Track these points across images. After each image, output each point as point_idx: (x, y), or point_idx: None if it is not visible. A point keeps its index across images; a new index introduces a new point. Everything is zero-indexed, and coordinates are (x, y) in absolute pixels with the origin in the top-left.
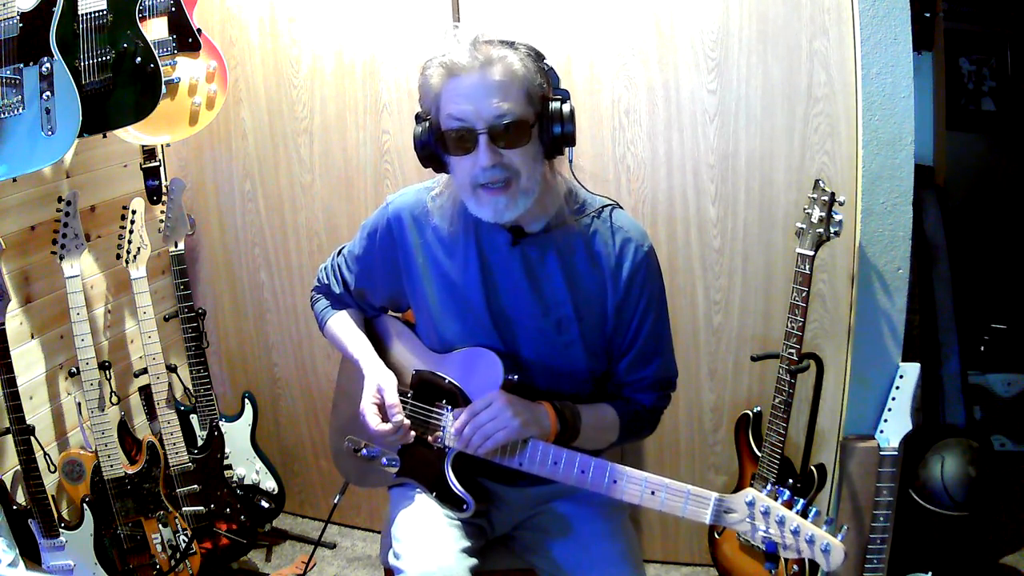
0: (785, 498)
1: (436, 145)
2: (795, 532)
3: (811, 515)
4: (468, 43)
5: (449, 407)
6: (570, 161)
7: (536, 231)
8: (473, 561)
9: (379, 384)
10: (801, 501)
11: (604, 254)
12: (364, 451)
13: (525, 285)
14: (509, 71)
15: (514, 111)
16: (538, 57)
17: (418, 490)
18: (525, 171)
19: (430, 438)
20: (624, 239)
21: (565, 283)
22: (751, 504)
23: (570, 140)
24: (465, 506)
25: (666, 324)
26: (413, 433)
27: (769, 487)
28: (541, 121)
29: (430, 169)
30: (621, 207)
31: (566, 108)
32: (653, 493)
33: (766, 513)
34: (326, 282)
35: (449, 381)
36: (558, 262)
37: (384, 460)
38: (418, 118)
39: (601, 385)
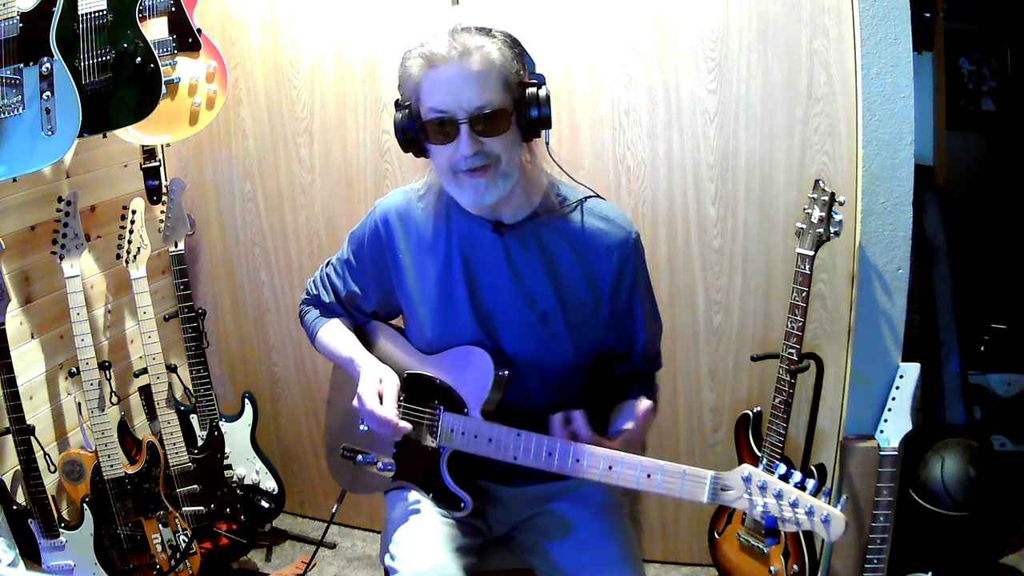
0: (781, 472)
1: (416, 132)
2: (793, 504)
3: (809, 488)
4: (447, 33)
5: (442, 407)
6: (547, 143)
7: (518, 222)
8: (468, 560)
9: (380, 375)
10: (798, 473)
11: (592, 243)
12: (359, 457)
13: (508, 278)
14: (487, 61)
15: (493, 101)
16: (514, 44)
17: (414, 492)
18: (505, 156)
19: (424, 439)
20: (612, 227)
21: (549, 274)
22: (747, 480)
23: (546, 123)
24: (463, 504)
25: (655, 300)
26: (409, 426)
27: (765, 462)
28: (518, 106)
29: (418, 169)
30: (603, 197)
31: (542, 92)
32: (649, 476)
33: (763, 488)
34: (315, 292)
35: (440, 381)
36: (541, 253)
37: (380, 465)
38: (398, 105)
39: (585, 376)
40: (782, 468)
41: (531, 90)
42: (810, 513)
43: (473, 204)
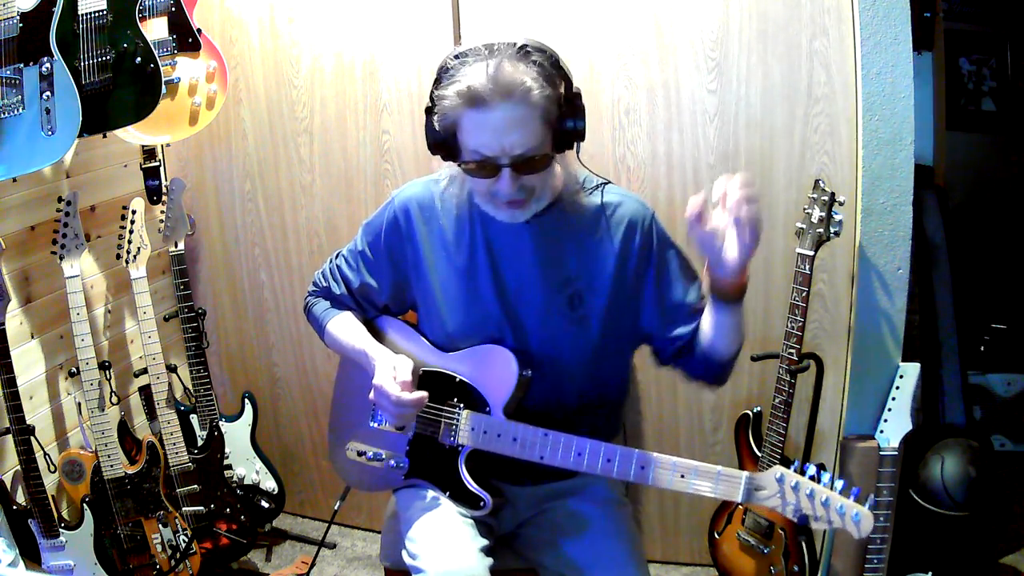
0: (812, 472)
1: (449, 145)
2: (825, 504)
3: (838, 488)
4: (485, 65)
5: (461, 405)
6: (577, 149)
7: (543, 209)
8: (491, 560)
9: (394, 363)
10: (828, 474)
11: (612, 223)
12: (369, 455)
13: (535, 264)
14: (529, 102)
15: (536, 145)
16: (553, 64)
17: (429, 490)
18: (540, 185)
19: (442, 437)
20: (631, 207)
21: (575, 256)
22: (781, 480)
23: (580, 136)
24: (482, 503)
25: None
26: (425, 396)
27: (796, 463)
28: (555, 132)
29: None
30: (613, 183)
31: (579, 110)
32: (683, 476)
33: (796, 488)
34: (324, 284)
35: (460, 379)
36: (567, 236)
37: (391, 462)
38: (429, 112)
39: (607, 369)
40: (812, 469)
41: (568, 110)
42: (841, 512)
43: (507, 221)
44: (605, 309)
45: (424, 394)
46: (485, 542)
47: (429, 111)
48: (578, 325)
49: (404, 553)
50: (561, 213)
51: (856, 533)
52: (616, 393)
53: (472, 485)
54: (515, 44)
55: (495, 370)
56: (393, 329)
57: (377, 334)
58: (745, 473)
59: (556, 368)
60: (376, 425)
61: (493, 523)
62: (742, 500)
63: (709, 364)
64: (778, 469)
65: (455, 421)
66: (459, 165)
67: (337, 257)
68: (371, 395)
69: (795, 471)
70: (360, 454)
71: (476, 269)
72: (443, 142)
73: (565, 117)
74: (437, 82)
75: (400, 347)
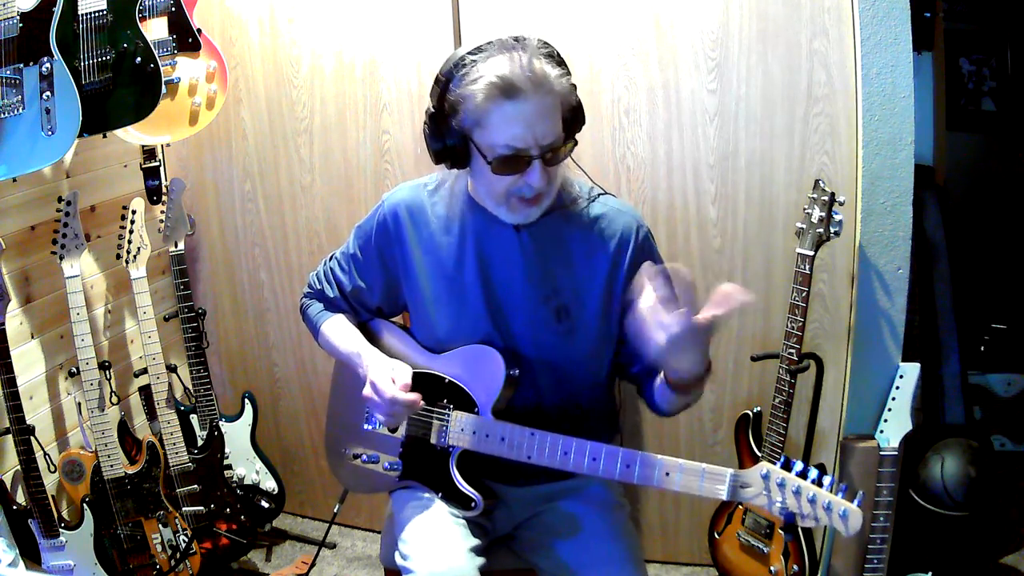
0: (799, 469)
1: (460, 148)
2: (812, 501)
3: (826, 484)
4: (522, 63)
5: (451, 406)
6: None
7: (535, 219)
8: (481, 560)
9: (392, 364)
10: (815, 470)
11: (606, 234)
12: (364, 457)
13: (524, 274)
14: (554, 91)
15: (560, 135)
16: (560, 60)
17: (422, 491)
18: (556, 179)
19: (433, 439)
20: (624, 222)
21: (564, 268)
22: (766, 477)
23: (579, 128)
24: (473, 504)
25: None
26: (420, 398)
27: (782, 460)
28: (565, 120)
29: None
30: (613, 194)
31: (580, 103)
32: (668, 474)
33: (782, 485)
34: (318, 287)
35: (450, 380)
36: (557, 247)
37: (386, 464)
38: (433, 117)
39: (597, 374)
40: (799, 465)
41: (574, 103)
42: (828, 509)
43: (518, 222)
44: (592, 322)
45: (418, 396)
46: (476, 542)
47: (439, 116)
48: (564, 336)
49: (396, 554)
50: (555, 223)
51: (844, 530)
52: (607, 398)
53: (463, 485)
54: (525, 39)
55: (483, 370)
56: (386, 331)
57: (371, 336)
58: (730, 471)
59: (545, 374)
60: (370, 428)
61: (487, 524)
62: (727, 497)
63: (660, 403)
64: (764, 466)
65: (445, 422)
66: (488, 163)
67: (331, 260)
68: (365, 390)
69: (781, 467)
70: (355, 457)
71: (464, 275)
72: (453, 146)
73: (574, 108)
74: (448, 83)
75: (393, 349)
